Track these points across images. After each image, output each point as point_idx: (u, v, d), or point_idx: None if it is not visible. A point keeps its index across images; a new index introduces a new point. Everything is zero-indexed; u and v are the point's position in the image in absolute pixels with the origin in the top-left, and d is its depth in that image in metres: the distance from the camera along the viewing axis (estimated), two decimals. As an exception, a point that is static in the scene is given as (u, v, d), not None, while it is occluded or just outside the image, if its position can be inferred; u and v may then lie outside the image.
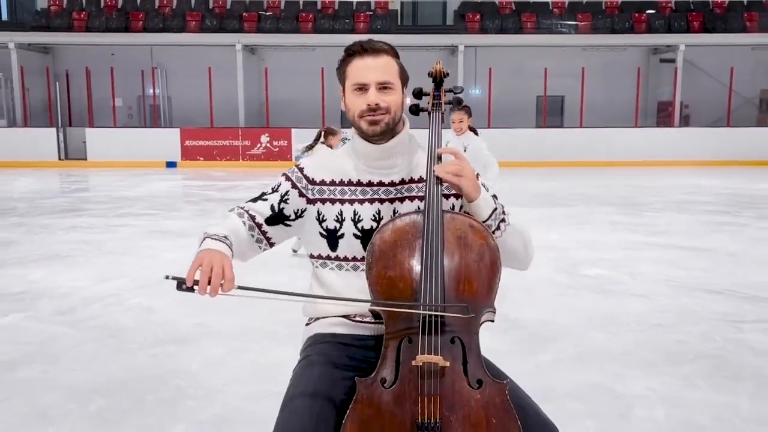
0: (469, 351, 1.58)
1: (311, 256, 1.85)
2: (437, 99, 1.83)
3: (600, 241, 7.18)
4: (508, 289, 5.07)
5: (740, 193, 11.71)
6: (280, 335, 4.08)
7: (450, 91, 1.87)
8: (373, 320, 1.70)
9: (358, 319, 1.76)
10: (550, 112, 19.46)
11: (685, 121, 19.95)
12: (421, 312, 1.54)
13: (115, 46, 19.68)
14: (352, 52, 1.77)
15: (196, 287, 1.48)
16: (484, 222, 1.69)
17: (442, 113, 1.82)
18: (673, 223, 8.49)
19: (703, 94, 19.67)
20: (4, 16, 21.72)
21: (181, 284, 1.48)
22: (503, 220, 1.73)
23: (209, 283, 1.48)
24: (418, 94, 1.86)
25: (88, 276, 5.67)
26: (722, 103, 18.94)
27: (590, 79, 18.69)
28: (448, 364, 1.52)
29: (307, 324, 1.90)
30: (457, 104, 1.85)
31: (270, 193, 1.82)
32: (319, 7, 20.67)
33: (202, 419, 2.98)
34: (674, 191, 12.07)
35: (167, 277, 1.47)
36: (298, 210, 1.80)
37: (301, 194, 1.80)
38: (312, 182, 1.81)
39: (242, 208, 1.81)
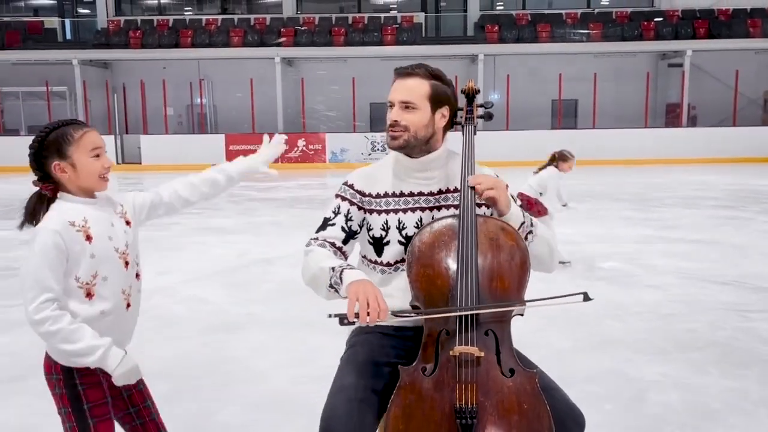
0: (502, 343, 1.60)
1: (362, 256, 1.88)
2: (470, 113, 1.86)
3: (613, 235, 7.09)
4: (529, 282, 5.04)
5: (745, 189, 11.46)
6: (319, 324, 4.09)
7: (481, 106, 1.90)
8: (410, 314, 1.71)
9: (398, 312, 1.77)
10: (565, 115, 19.23)
11: (693, 122, 19.56)
12: (464, 312, 1.56)
13: (167, 61, 19.90)
14: (395, 74, 1.83)
15: (356, 320, 1.50)
16: None
17: (475, 126, 1.85)
18: (682, 217, 8.34)
19: (710, 95, 19.26)
20: (69, 36, 22.11)
21: (342, 320, 1.52)
22: (531, 232, 1.75)
23: (368, 314, 1.49)
24: (453, 114, 1.87)
25: (145, 270, 5.74)
26: (728, 104, 18.54)
27: (602, 84, 18.42)
28: (482, 354, 1.54)
29: None
30: (489, 118, 1.88)
31: (333, 218, 1.81)
32: (350, 22, 20.67)
33: (251, 401, 3.01)
34: (683, 187, 11.85)
35: (330, 316, 1.54)
36: (361, 223, 1.82)
37: (359, 208, 1.82)
38: (363, 194, 1.82)
39: (318, 239, 1.79)
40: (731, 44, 18.67)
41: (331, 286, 1.63)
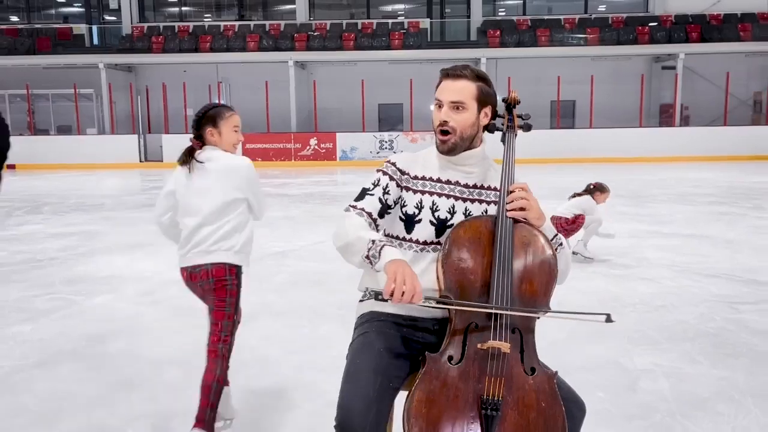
0: (526, 342, 1.58)
1: (387, 235, 1.83)
2: (510, 122, 1.84)
3: (609, 229, 6.99)
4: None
5: (736, 186, 11.33)
6: (329, 314, 4.08)
7: (520, 116, 1.87)
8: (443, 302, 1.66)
9: (431, 298, 1.73)
10: (563, 115, 19.10)
11: (685, 122, 19.39)
12: (500, 311, 1.54)
13: (187, 65, 19.93)
14: (443, 73, 1.79)
15: (390, 298, 1.47)
16: None
17: (515, 135, 1.83)
18: (675, 213, 8.25)
19: (701, 97, 19.10)
20: (96, 41, 22.15)
21: (377, 295, 1.51)
22: (560, 244, 1.74)
23: (402, 295, 1.48)
24: (494, 115, 1.84)
25: (165, 262, 5.74)
26: (719, 104, 18.36)
27: (599, 85, 18.28)
28: (510, 350, 1.53)
29: (361, 300, 1.88)
30: (527, 129, 1.86)
31: (372, 189, 1.78)
32: (359, 27, 20.61)
33: (259, 387, 2.99)
34: (676, 184, 11.73)
35: (367, 290, 1.57)
36: (397, 198, 1.79)
37: (397, 185, 1.79)
38: (403, 173, 1.80)
39: (356, 207, 1.76)
40: (722, 47, 18.49)
41: (367, 257, 1.59)
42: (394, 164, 1.81)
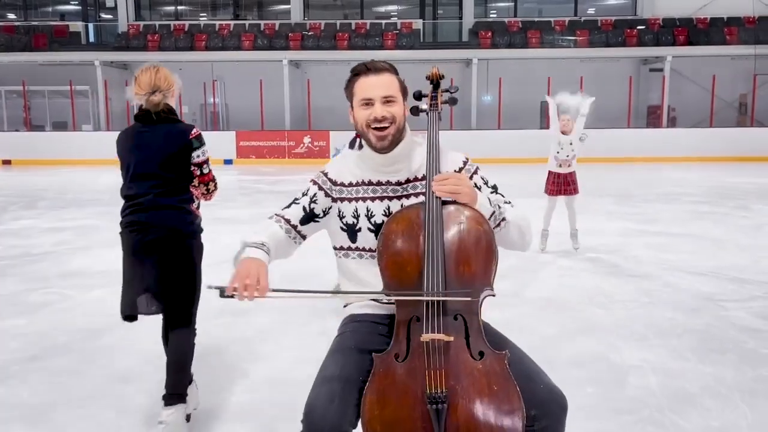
0: (471, 326, 1.52)
1: (334, 248, 1.82)
2: (434, 99, 1.77)
3: (598, 228, 7.01)
4: (516, 270, 4.98)
5: (722, 186, 11.37)
6: (321, 309, 4.05)
7: (446, 91, 1.79)
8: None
9: (385, 301, 1.70)
10: (553, 116, 19.16)
11: (672, 123, 19.46)
12: (429, 298, 1.50)
13: (182, 62, 19.77)
14: (358, 72, 1.73)
15: (235, 293, 1.47)
16: None
17: (439, 112, 1.75)
18: (662, 212, 8.27)
19: (688, 98, 19.16)
20: (92, 39, 21.96)
21: (222, 292, 1.49)
22: (503, 219, 1.68)
23: (246, 290, 1.46)
24: (418, 96, 1.80)
25: (159, 257, 5.71)
26: (705, 106, 18.44)
27: (588, 87, 18.26)
28: (452, 338, 1.47)
29: (345, 306, 1.87)
30: (453, 103, 1.77)
31: (301, 198, 1.79)
32: (353, 27, 20.55)
33: (255, 380, 2.97)
34: (663, 184, 11.78)
35: (210, 287, 1.50)
36: (325, 208, 1.78)
37: (326, 195, 1.77)
38: (334, 183, 1.78)
39: (278, 215, 1.78)
40: (709, 51, 18.57)
41: (236, 257, 1.62)
42: (325, 174, 1.79)
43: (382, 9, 22.74)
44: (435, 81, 1.79)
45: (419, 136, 1.82)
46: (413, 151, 1.77)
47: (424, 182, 1.71)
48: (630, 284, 4.68)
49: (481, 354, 1.49)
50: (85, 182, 13.06)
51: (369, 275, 1.71)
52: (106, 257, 5.66)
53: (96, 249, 6.05)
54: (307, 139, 17.91)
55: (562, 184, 5.84)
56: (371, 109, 1.69)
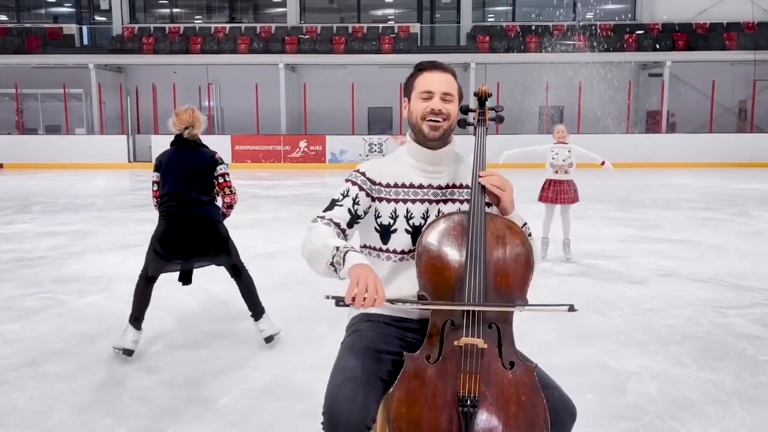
0: (504, 336, 1.57)
1: (363, 246, 1.82)
2: (482, 115, 1.81)
3: (597, 234, 7.07)
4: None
5: (722, 192, 11.45)
6: (319, 315, 4.07)
7: (492, 109, 1.84)
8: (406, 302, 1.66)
9: (394, 300, 1.73)
10: (552, 121, 19.23)
11: (672, 128, 19.58)
12: (474, 307, 1.53)
13: (177, 66, 19.83)
14: (422, 67, 1.77)
15: (352, 303, 1.45)
16: None
17: (486, 128, 1.80)
18: (662, 218, 8.32)
19: (688, 104, 19.30)
20: (86, 42, 21.97)
21: (339, 302, 1.47)
22: (529, 234, 1.73)
23: (364, 300, 1.45)
24: (465, 110, 1.84)
25: (155, 262, 5.72)
26: (705, 112, 18.57)
27: (587, 92, 18.43)
28: (486, 346, 1.51)
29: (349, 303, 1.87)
30: (500, 121, 1.83)
31: (341, 199, 1.75)
32: (350, 31, 20.63)
33: (252, 387, 2.98)
34: (663, 190, 11.85)
35: (328, 297, 1.50)
36: (366, 209, 1.76)
37: (367, 194, 1.76)
38: (373, 182, 1.77)
39: (324, 218, 1.73)
40: (708, 56, 18.71)
41: (332, 264, 1.57)
42: (363, 174, 1.78)
43: (379, 12, 22.85)
44: (483, 97, 1.83)
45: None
46: (456, 160, 1.82)
47: (464, 190, 1.77)
48: (629, 291, 4.72)
49: (512, 364, 1.55)
50: (78, 186, 13.06)
51: (404, 279, 1.72)
52: (101, 262, 5.68)
53: (91, 254, 6.06)
54: (303, 144, 17.95)
55: (558, 192, 5.85)
56: (430, 102, 1.73)
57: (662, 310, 4.22)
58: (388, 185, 1.77)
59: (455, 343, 1.51)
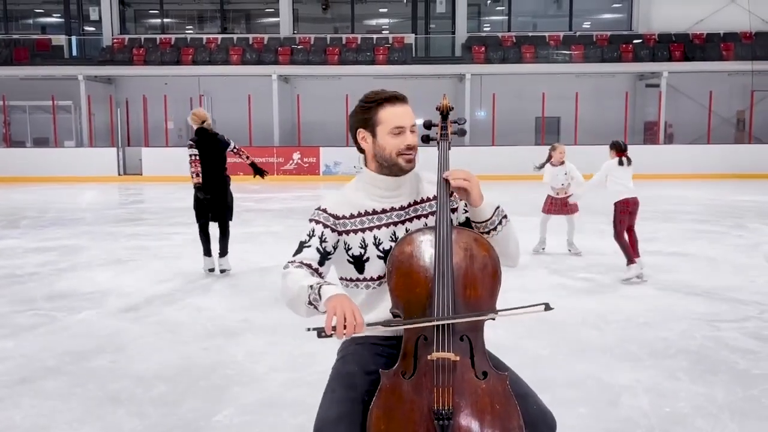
0: (476, 347, 1.65)
1: (341, 278, 1.90)
2: (444, 130, 1.87)
3: (592, 247, 7.15)
4: (510, 290, 5.08)
5: (720, 204, 11.60)
6: (309, 333, 4.15)
7: (455, 122, 1.90)
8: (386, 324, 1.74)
9: (373, 324, 1.80)
10: (548, 132, 19.40)
11: (669, 139, 19.80)
12: (440, 322, 1.60)
13: (168, 77, 19.95)
14: (383, 100, 1.80)
15: (333, 333, 1.54)
16: (487, 219, 1.76)
17: (449, 142, 1.86)
18: (658, 230, 8.43)
19: (685, 115, 19.53)
20: (75, 53, 22.07)
21: (320, 333, 1.56)
22: (505, 216, 1.80)
23: (344, 329, 1.53)
24: (428, 125, 1.90)
25: (147, 278, 5.79)
26: (702, 122, 18.79)
27: (583, 102, 18.63)
28: (458, 358, 1.59)
29: None
30: (462, 134, 1.89)
31: (308, 240, 1.82)
32: (344, 42, 20.83)
33: (247, 403, 3.06)
34: (660, 202, 11.97)
35: (309, 329, 1.60)
36: (335, 244, 1.84)
37: (332, 230, 1.83)
38: (336, 218, 1.84)
39: (295, 262, 1.81)
40: (705, 66, 18.97)
41: (310, 303, 1.65)
42: (324, 210, 1.84)
43: (374, 22, 23.09)
44: (444, 112, 1.89)
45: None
46: (413, 178, 1.89)
47: (426, 204, 1.83)
48: (625, 304, 4.82)
49: (485, 374, 1.62)
50: (67, 200, 13.11)
51: (377, 303, 1.82)
52: (92, 278, 5.74)
53: (81, 270, 6.12)
54: (296, 156, 18.07)
55: (559, 206, 6.66)
56: (403, 138, 1.78)
57: (657, 324, 4.32)
58: (351, 216, 1.84)
59: (428, 357, 1.59)
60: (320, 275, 1.81)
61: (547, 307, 1.65)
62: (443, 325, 1.61)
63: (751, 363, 3.58)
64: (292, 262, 1.81)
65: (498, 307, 1.71)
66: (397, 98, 1.80)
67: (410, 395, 1.60)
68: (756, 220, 9.41)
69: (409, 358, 1.64)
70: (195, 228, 5.98)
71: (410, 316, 1.67)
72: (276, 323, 4.34)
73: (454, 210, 1.84)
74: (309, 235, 1.83)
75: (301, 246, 1.83)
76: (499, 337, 3.78)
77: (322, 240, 1.82)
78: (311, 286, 1.66)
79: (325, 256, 1.82)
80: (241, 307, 4.78)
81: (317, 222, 1.84)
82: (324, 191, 15.07)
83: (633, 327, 4.26)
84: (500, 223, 1.78)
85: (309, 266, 1.79)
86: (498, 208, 1.79)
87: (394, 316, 1.71)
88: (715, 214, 10.06)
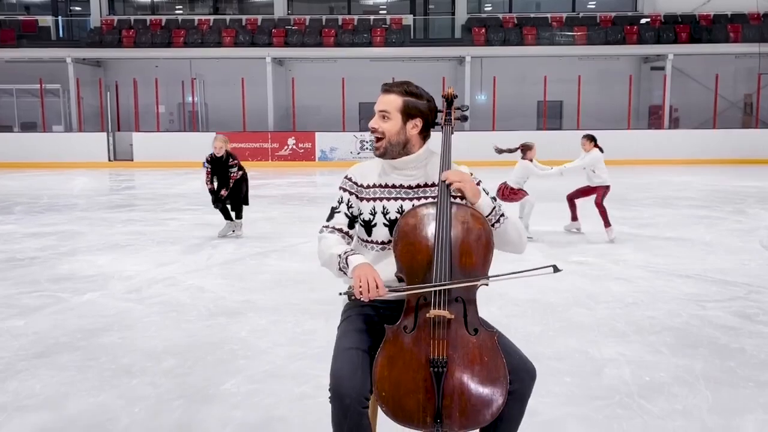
0: (469, 307, 1.99)
1: (357, 237, 2.27)
2: (448, 116, 2.23)
3: (590, 231, 7.47)
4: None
5: (722, 189, 11.93)
6: (312, 310, 4.48)
7: (458, 108, 2.25)
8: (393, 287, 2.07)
9: (392, 288, 2.12)
10: (550, 116, 19.68)
11: (675, 124, 20.09)
12: (456, 285, 1.94)
13: (159, 60, 20.16)
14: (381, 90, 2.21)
15: (361, 296, 1.93)
16: (486, 216, 2.08)
17: (452, 127, 2.22)
18: (658, 216, 8.76)
19: (691, 98, 19.80)
20: (62, 34, 22.26)
21: (350, 296, 1.96)
22: (502, 215, 2.13)
23: (369, 291, 1.92)
24: (433, 118, 2.22)
25: (147, 261, 6.10)
26: (708, 106, 19.05)
27: (586, 86, 18.88)
28: (453, 316, 1.93)
29: (343, 293, 2.29)
30: (464, 120, 2.24)
31: (339, 206, 2.20)
32: (340, 23, 21.01)
33: (252, 373, 3.38)
34: (662, 187, 12.30)
35: (341, 294, 2.03)
36: (359, 208, 2.21)
37: (357, 197, 2.20)
38: (359, 186, 2.21)
39: (328, 227, 2.19)
40: (712, 48, 19.21)
41: (340, 269, 2.07)
42: (350, 179, 2.22)
43: (371, 3, 23.25)
44: (449, 99, 2.25)
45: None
46: (428, 161, 2.22)
47: (434, 188, 2.17)
48: (616, 286, 5.15)
49: (476, 330, 1.97)
50: (58, 186, 13.40)
51: (386, 265, 2.14)
52: (93, 262, 6.05)
53: (82, 254, 6.43)
54: (291, 141, 18.31)
55: (509, 195, 7.23)
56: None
57: (645, 304, 4.64)
58: (368, 186, 2.21)
59: (427, 315, 1.93)
60: (350, 237, 2.21)
61: (556, 269, 1.99)
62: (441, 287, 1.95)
63: (731, 338, 3.92)
64: (326, 227, 2.21)
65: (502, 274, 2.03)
66: (381, 88, 2.20)
67: (410, 346, 1.94)
68: (756, 205, 9.75)
69: (410, 315, 1.98)
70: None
71: (413, 279, 2.00)
72: (276, 304, 4.66)
73: (456, 197, 2.15)
74: (339, 202, 2.22)
75: (333, 212, 2.22)
76: (492, 315, 4.12)
77: (349, 206, 2.21)
78: (339, 255, 2.08)
79: (353, 220, 2.21)
80: (242, 289, 5.10)
81: (344, 190, 2.23)
82: (319, 177, 15.35)
83: (622, 307, 4.59)
84: (498, 221, 2.10)
85: (340, 230, 2.18)
86: (494, 208, 2.11)
87: (399, 279, 2.04)
88: (717, 200, 10.39)
